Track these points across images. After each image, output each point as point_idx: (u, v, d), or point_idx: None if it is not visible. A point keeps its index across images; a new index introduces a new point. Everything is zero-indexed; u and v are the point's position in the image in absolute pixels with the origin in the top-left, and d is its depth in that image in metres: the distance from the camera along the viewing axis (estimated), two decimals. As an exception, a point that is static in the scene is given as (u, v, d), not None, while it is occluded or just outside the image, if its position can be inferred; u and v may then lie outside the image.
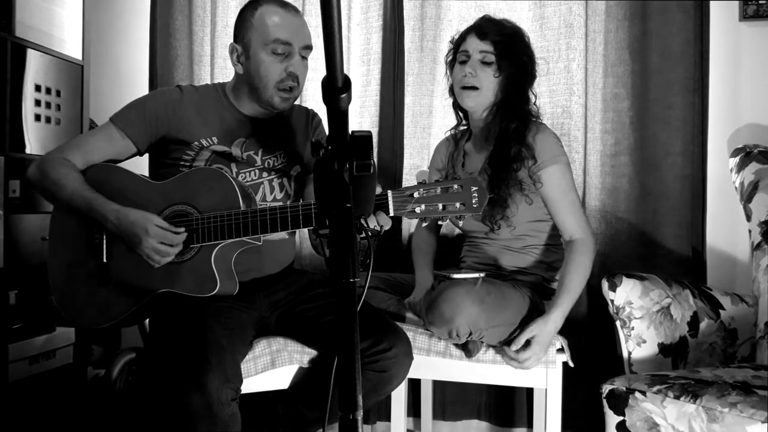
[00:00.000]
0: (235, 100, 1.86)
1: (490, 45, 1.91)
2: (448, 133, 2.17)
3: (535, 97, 1.99)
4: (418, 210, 1.48)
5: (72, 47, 2.37)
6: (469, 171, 2.04)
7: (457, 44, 1.99)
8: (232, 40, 1.83)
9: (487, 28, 1.93)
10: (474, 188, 1.49)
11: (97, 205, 1.69)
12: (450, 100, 2.10)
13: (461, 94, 1.96)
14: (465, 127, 2.12)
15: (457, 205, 1.49)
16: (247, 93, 1.83)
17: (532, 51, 1.98)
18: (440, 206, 1.48)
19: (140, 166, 1.91)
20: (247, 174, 1.83)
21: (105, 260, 1.73)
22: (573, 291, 1.83)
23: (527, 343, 1.77)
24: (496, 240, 2.00)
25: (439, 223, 1.52)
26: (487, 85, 1.92)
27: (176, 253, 1.65)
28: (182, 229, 1.65)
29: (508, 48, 1.91)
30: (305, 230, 1.96)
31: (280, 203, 1.85)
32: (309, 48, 1.80)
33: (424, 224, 2.31)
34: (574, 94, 2.35)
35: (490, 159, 1.94)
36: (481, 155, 2.02)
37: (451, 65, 2.02)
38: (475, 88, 1.92)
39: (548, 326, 1.78)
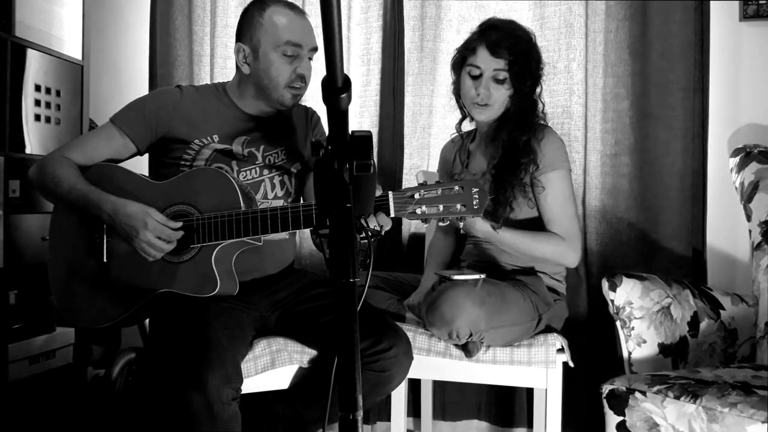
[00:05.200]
0: (236, 98, 1.86)
1: (504, 63, 1.88)
2: (455, 134, 2.16)
3: (543, 105, 1.98)
4: (418, 211, 1.48)
5: (72, 47, 2.37)
6: (473, 172, 2.04)
7: (466, 53, 1.94)
8: (233, 40, 1.83)
9: (501, 43, 1.88)
10: (475, 190, 1.48)
11: (93, 197, 1.69)
12: (451, 100, 2.10)
13: (473, 109, 1.95)
14: (473, 127, 2.12)
15: (458, 206, 1.48)
16: (254, 92, 1.83)
17: (540, 54, 1.95)
18: (441, 207, 1.48)
19: (140, 165, 1.91)
20: (248, 172, 1.83)
21: (105, 260, 1.73)
22: (523, 244, 1.86)
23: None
24: (496, 240, 2.00)
25: (440, 224, 1.51)
26: (500, 100, 1.92)
27: (171, 249, 1.65)
28: (179, 224, 1.65)
29: (523, 65, 1.89)
30: (306, 230, 1.96)
31: (281, 202, 1.86)
32: (316, 50, 1.81)
33: (426, 225, 2.30)
34: (574, 94, 2.34)
35: (497, 165, 1.93)
36: (485, 157, 2.02)
37: (456, 70, 1.99)
38: (487, 105, 1.92)
39: (477, 224, 1.80)
